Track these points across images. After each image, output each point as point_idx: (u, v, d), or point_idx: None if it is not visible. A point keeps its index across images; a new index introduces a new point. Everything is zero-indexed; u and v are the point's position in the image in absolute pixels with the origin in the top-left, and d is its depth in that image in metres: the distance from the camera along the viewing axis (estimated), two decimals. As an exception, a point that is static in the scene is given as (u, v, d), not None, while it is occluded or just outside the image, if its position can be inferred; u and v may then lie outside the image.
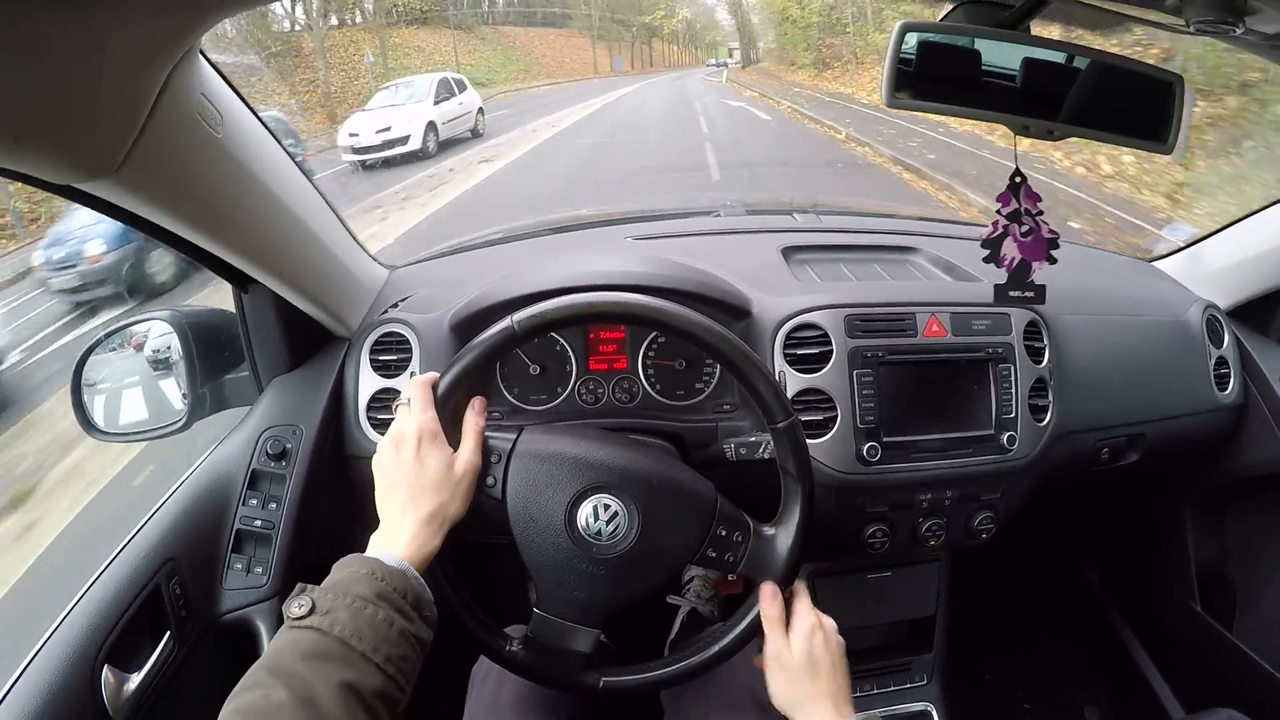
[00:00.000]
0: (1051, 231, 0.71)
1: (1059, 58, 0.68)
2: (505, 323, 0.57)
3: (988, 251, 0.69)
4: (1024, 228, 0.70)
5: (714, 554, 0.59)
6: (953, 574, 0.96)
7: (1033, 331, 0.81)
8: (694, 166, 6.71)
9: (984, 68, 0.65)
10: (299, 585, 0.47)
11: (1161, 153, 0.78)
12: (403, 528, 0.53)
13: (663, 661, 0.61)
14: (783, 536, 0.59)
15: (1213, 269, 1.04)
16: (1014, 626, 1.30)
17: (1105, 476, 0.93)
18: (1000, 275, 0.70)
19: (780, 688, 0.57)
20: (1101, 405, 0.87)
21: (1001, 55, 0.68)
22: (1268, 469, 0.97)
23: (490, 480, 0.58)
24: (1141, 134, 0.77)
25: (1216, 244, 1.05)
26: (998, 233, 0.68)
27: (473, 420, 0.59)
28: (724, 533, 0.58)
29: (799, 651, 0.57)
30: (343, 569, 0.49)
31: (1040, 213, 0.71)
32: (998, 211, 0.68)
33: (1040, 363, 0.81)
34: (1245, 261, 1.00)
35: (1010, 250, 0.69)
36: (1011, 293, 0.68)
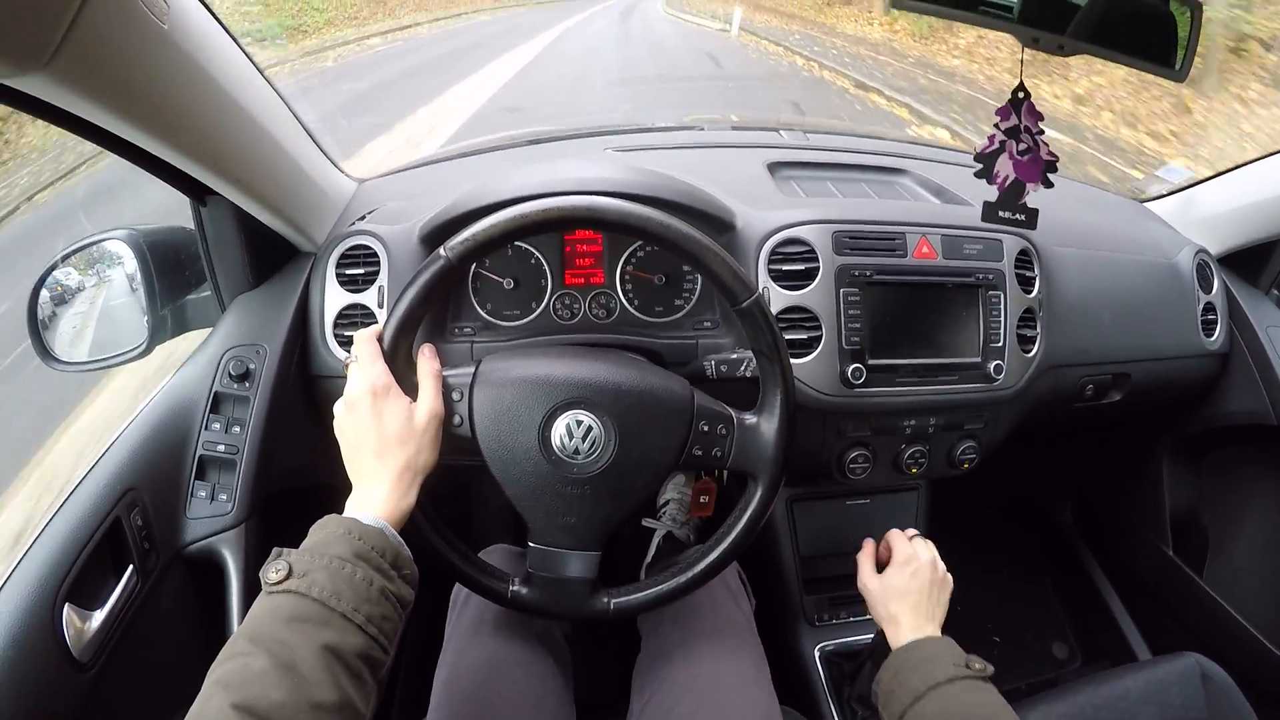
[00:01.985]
0: (1050, 154, 0.68)
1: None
2: (438, 253, 0.54)
3: (979, 168, 0.66)
4: (1021, 146, 0.68)
5: (700, 452, 0.57)
6: (930, 504, 0.96)
7: (1024, 260, 0.79)
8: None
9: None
10: (275, 550, 0.46)
11: (1174, 79, 0.75)
12: (375, 487, 0.52)
13: (670, 573, 0.60)
14: (766, 422, 0.58)
15: (1206, 215, 1.03)
16: (988, 561, 1.32)
17: (1087, 413, 0.93)
18: (991, 195, 0.68)
19: (872, 609, 0.69)
20: (1089, 340, 0.86)
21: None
22: (1247, 419, 0.97)
23: (457, 419, 0.56)
24: (1154, 58, 0.74)
25: (1211, 190, 1.04)
26: (993, 147, 0.65)
27: (427, 365, 0.56)
28: (706, 428, 0.57)
29: (876, 584, 0.68)
30: (319, 530, 0.48)
31: (1041, 132, 0.68)
32: (995, 126, 0.65)
33: (1030, 292, 0.79)
34: (1239, 210, 0.98)
35: (1005, 168, 0.66)
36: (1002, 212, 0.66)
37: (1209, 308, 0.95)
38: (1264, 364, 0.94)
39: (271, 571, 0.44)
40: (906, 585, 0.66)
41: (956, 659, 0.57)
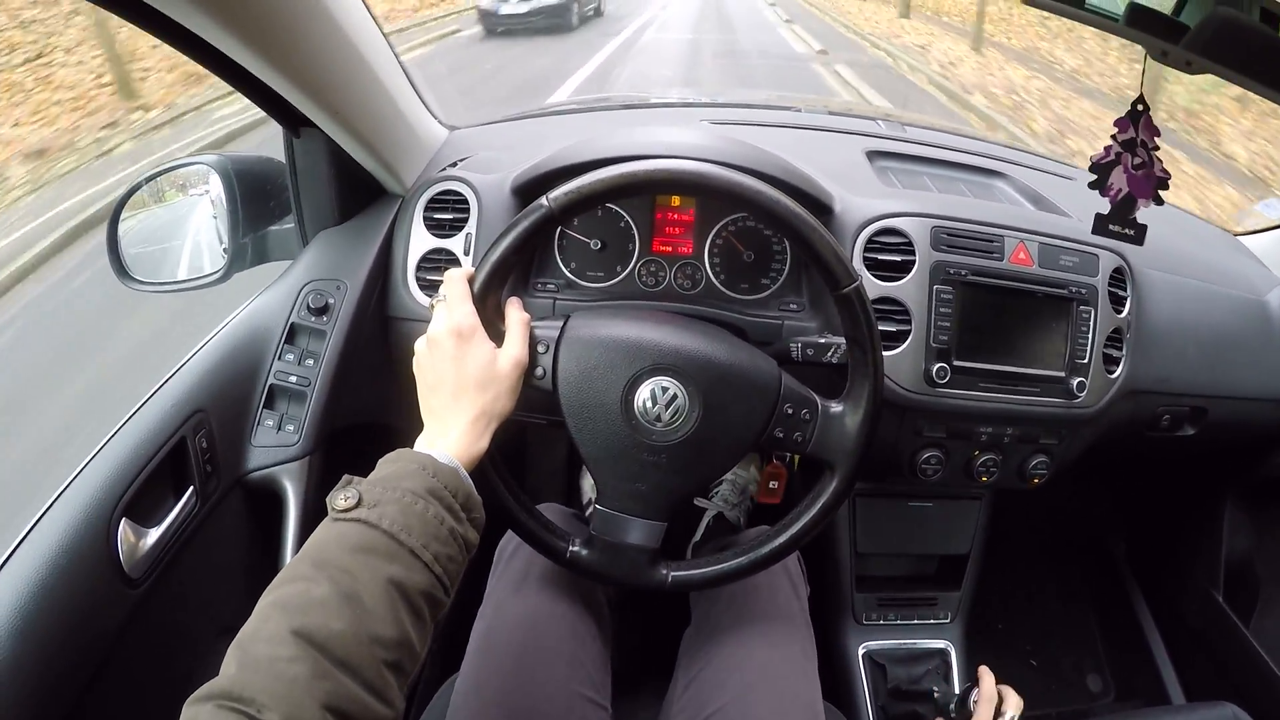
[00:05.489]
0: (1164, 171, 0.66)
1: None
2: (540, 202, 0.53)
3: (1094, 178, 0.64)
4: (1136, 160, 0.66)
5: (781, 434, 0.56)
6: (991, 517, 0.94)
7: (1118, 279, 0.77)
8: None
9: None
10: (345, 477, 0.45)
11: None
12: (449, 428, 0.51)
13: (731, 553, 0.59)
14: (851, 412, 0.57)
15: None
16: (1035, 584, 1.30)
17: (1159, 445, 0.90)
18: (1094, 208, 0.66)
19: None
20: (1171, 369, 0.83)
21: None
22: None
23: (540, 371, 0.55)
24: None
25: None
26: (1109, 159, 0.63)
27: (516, 314, 0.56)
28: (790, 411, 0.56)
29: None
30: (391, 463, 0.47)
31: (1156, 148, 0.66)
32: (1113, 138, 0.64)
33: (1121, 312, 0.77)
34: None
35: (1119, 180, 0.64)
36: (1112, 225, 0.64)
37: None
38: None
39: (340, 498, 0.43)
40: None
41: None
